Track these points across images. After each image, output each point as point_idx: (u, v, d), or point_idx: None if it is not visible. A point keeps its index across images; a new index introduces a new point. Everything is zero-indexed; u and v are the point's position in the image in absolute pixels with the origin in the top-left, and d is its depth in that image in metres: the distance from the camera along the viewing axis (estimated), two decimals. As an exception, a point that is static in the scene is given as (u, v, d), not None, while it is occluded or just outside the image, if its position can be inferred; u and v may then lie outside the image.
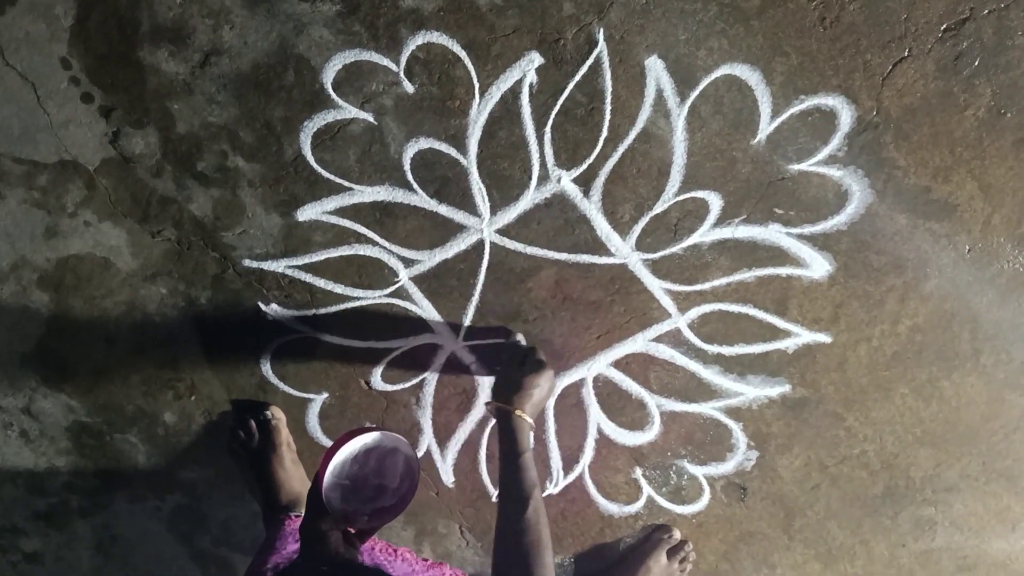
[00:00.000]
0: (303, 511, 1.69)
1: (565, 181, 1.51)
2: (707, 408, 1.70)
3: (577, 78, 1.43)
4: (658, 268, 1.57)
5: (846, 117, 1.41)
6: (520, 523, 1.30)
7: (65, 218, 1.63)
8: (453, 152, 1.51)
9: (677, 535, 1.83)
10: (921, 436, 1.67)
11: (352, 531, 1.25)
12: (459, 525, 1.90)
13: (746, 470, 1.75)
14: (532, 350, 1.52)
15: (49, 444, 1.91)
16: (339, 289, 1.65)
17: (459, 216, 1.56)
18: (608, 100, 1.44)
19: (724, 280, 1.57)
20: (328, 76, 1.47)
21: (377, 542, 1.65)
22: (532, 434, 1.41)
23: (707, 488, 1.78)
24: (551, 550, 1.30)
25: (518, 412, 1.41)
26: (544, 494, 1.83)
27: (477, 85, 1.45)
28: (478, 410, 1.75)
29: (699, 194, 1.50)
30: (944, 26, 1.34)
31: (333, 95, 1.48)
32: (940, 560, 1.81)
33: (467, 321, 1.66)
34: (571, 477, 1.80)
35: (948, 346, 1.58)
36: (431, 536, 1.91)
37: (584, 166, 1.50)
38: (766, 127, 1.43)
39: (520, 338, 1.63)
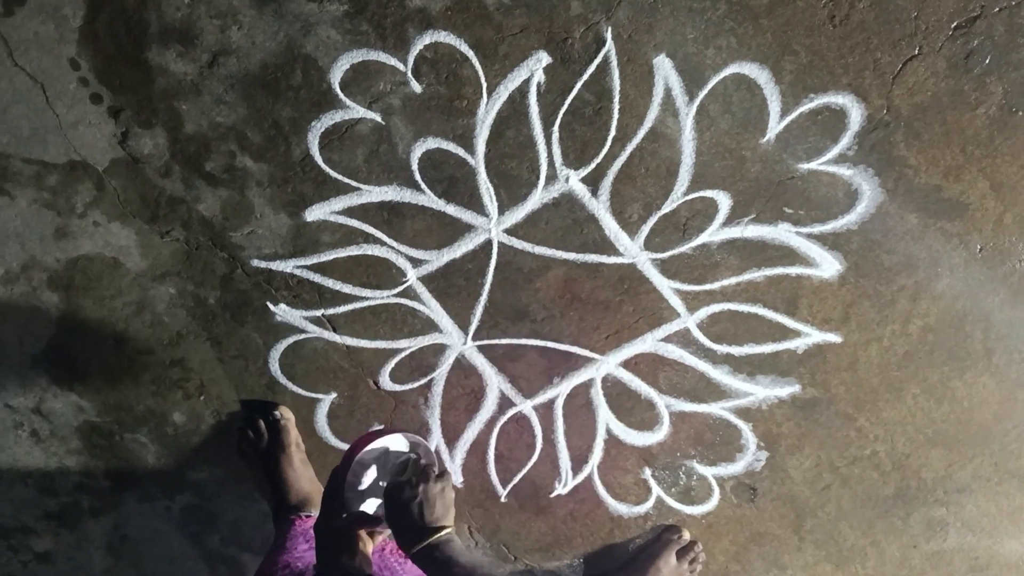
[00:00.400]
0: (313, 511, 1.70)
1: (573, 180, 1.51)
2: (716, 408, 1.69)
3: (585, 77, 1.43)
4: (667, 268, 1.56)
5: (856, 116, 1.40)
6: None
7: (74, 219, 1.63)
8: (461, 152, 1.50)
9: (687, 536, 1.82)
10: (933, 436, 1.66)
11: (366, 532, 1.25)
12: (468, 525, 1.90)
13: (756, 471, 1.74)
14: (411, 467, 1.30)
15: (60, 444, 1.92)
16: (347, 289, 1.64)
17: (467, 216, 1.56)
18: (616, 99, 1.44)
19: (733, 280, 1.56)
20: (336, 76, 1.47)
21: (388, 543, 1.65)
22: (456, 544, 1.22)
23: (717, 489, 1.77)
24: None
25: (434, 539, 1.20)
26: (553, 494, 1.82)
27: (485, 84, 1.45)
28: (486, 410, 1.75)
29: (708, 193, 1.49)
30: (955, 24, 1.33)
31: (341, 95, 1.48)
32: (952, 561, 1.80)
33: (476, 321, 1.65)
34: (580, 477, 1.80)
35: (960, 346, 1.57)
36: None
37: (592, 165, 1.49)
38: (775, 126, 1.42)
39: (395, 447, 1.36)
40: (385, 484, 1.28)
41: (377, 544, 1.64)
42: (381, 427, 1.37)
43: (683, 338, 1.63)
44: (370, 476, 1.30)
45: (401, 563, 1.58)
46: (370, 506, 1.30)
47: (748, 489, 1.77)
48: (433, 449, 1.78)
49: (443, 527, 1.21)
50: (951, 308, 1.54)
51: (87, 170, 1.58)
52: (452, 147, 1.50)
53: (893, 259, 1.50)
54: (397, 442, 1.31)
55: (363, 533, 1.25)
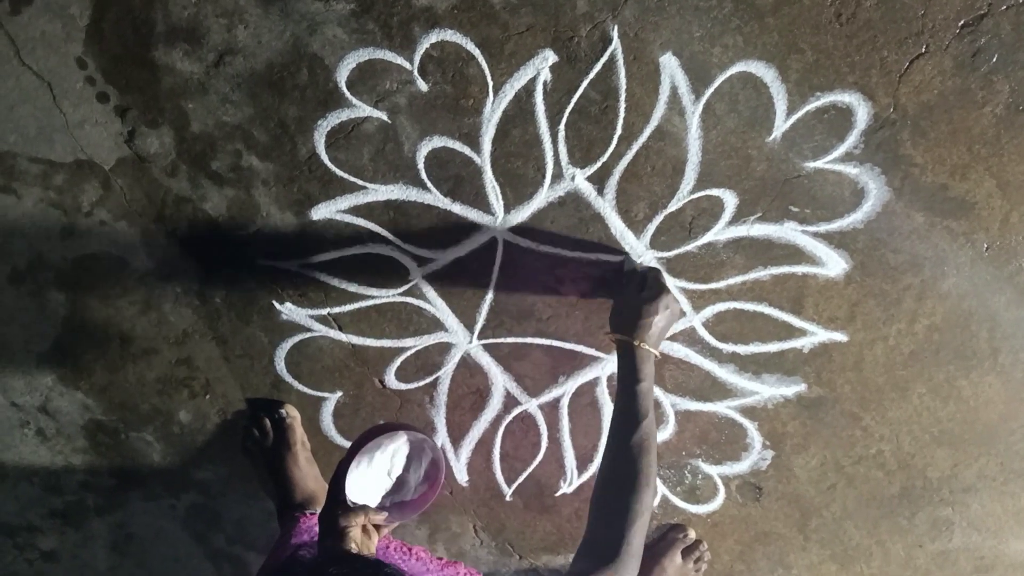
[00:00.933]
0: (318, 509, 1.70)
1: (579, 179, 1.51)
2: (722, 407, 1.69)
3: (591, 76, 1.43)
4: (673, 266, 1.56)
5: (862, 114, 1.40)
6: (624, 451, 1.32)
7: (81, 217, 1.63)
8: (467, 151, 1.51)
9: (692, 535, 1.82)
10: (938, 436, 1.66)
11: (371, 525, 1.25)
12: (473, 524, 1.90)
13: (761, 470, 1.74)
14: (651, 274, 1.48)
15: (65, 442, 1.92)
16: (353, 288, 1.65)
17: (473, 215, 1.56)
18: (622, 98, 1.44)
19: (739, 278, 1.56)
20: (342, 75, 1.47)
21: (392, 540, 1.65)
22: (651, 365, 1.39)
23: (722, 488, 1.77)
24: (652, 488, 1.30)
25: (639, 343, 1.38)
26: (558, 493, 1.82)
27: (491, 83, 1.45)
28: (492, 409, 1.75)
29: (714, 192, 1.49)
30: (962, 22, 1.33)
31: (347, 94, 1.48)
32: (957, 561, 1.80)
33: (481, 320, 1.66)
34: (586, 476, 1.80)
35: (966, 345, 1.57)
36: (444, 535, 1.91)
37: (598, 164, 1.49)
38: (781, 124, 1.42)
39: (639, 261, 1.57)
40: (401, 478, 1.30)
41: (381, 541, 1.64)
42: (387, 422, 1.37)
43: (689, 337, 1.63)
44: (375, 468, 1.30)
45: (406, 559, 1.59)
46: (374, 498, 1.30)
47: (753, 488, 1.77)
48: (440, 447, 1.79)
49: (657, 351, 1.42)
50: (957, 307, 1.53)
51: (93, 169, 1.58)
52: (458, 146, 1.50)
53: (899, 258, 1.50)
54: (403, 437, 1.32)
55: (367, 525, 1.24)
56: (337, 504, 1.23)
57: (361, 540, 1.22)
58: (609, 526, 1.27)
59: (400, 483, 1.34)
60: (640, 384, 1.36)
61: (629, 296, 1.44)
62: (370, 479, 1.30)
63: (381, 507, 1.28)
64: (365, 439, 1.26)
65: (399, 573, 0.98)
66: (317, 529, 1.62)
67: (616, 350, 1.44)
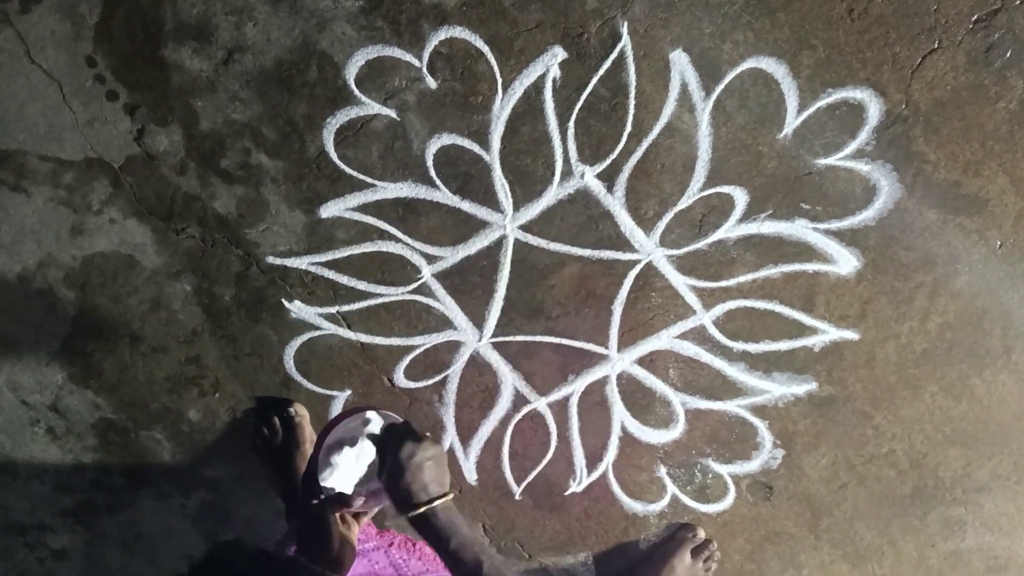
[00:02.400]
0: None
1: (588, 177, 1.50)
2: (732, 406, 1.68)
3: (601, 72, 1.42)
4: (683, 264, 1.56)
5: (874, 110, 1.39)
6: None
7: (91, 216, 1.63)
8: (476, 148, 1.50)
9: (702, 534, 1.81)
10: (951, 435, 1.65)
11: (349, 513, 1.24)
12: (482, 523, 1.89)
13: (772, 469, 1.73)
14: (386, 437, 1.23)
15: (76, 441, 1.92)
16: (362, 286, 1.64)
17: (482, 212, 1.55)
18: (632, 94, 1.43)
19: (750, 276, 1.55)
20: (351, 72, 1.46)
21: (396, 537, 1.64)
22: (452, 513, 1.19)
23: (732, 487, 1.76)
24: None
25: (427, 510, 1.16)
26: (568, 492, 1.82)
27: (500, 80, 1.45)
28: (501, 407, 1.75)
29: (724, 189, 1.48)
30: (975, 17, 1.32)
31: (356, 91, 1.48)
32: (970, 561, 1.78)
33: (490, 318, 1.65)
34: (595, 475, 1.79)
35: (979, 343, 1.56)
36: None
37: (608, 161, 1.49)
38: (793, 121, 1.42)
39: (370, 424, 1.33)
40: (374, 463, 1.26)
41: (384, 538, 1.63)
42: (359, 405, 1.33)
43: (699, 335, 1.62)
44: (347, 455, 1.26)
45: (406, 560, 1.58)
46: (348, 485, 1.26)
47: (764, 487, 1.76)
48: (447, 446, 1.79)
49: (445, 493, 1.18)
50: (970, 305, 1.52)
51: (103, 167, 1.59)
52: (467, 143, 1.50)
53: (911, 255, 1.49)
54: (372, 420, 1.29)
55: (345, 515, 1.23)
56: (311, 495, 1.20)
57: (341, 530, 1.21)
58: None
59: (375, 466, 1.29)
60: (453, 542, 1.16)
61: (389, 462, 1.20)
62: (342, 466, 1.26)
63: (356, 494, 1.25)
64: (332, 426, 1.24)
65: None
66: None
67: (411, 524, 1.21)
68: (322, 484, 1.22)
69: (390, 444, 1.20)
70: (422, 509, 1.15)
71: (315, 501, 1.20)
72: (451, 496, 1.19)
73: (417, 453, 1.17)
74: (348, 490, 1.26)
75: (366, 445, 1.28)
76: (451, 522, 1.17)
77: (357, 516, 1.24)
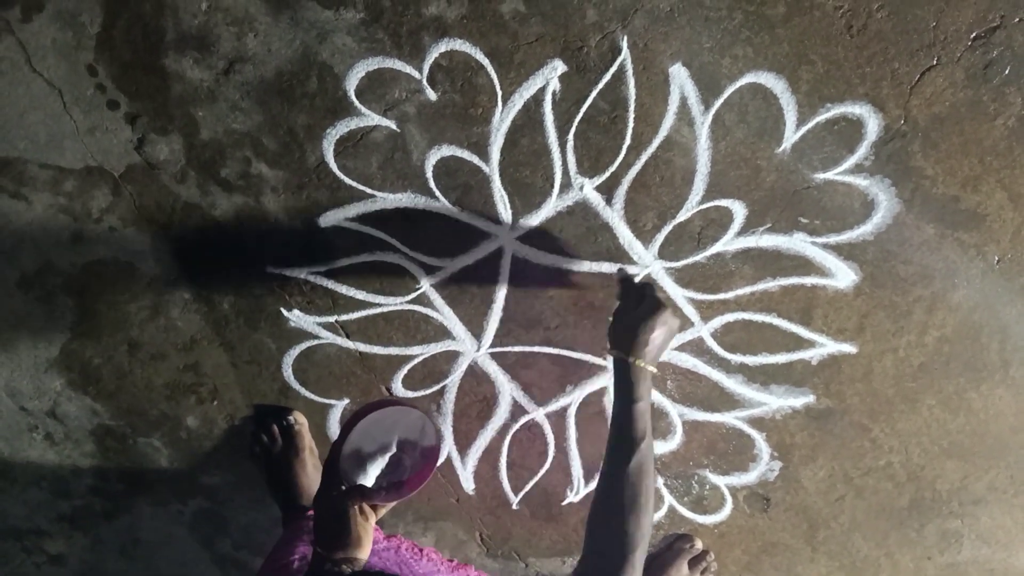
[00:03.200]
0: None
1: (587, 189, 1.50)
2: (730, 418, 1.68)
3: (600, 86, 1.42)
4: (681, 277, 1.56)
5: (873, 126, 1.39)
6: (621, 474, 1.28)
7: (90, 223, 1.64)
8: (475, 160, 1.50)
9: (699, 545, 1.82)
10: (948, 448, 1.65)
11: (367, 506, 1.24)
12: (479, 532, 1.89)
13: (769, 480, 1.73)
14: (647, 289, 1.40)
15: (73, 447, 1.93)
16: (360, 295, 1.65)
17: (481, 223, 1.56)
18: (631, 108, 1.43)
19: (748, 289, 1.55)
20: (351, 83, 1.47)
21: (403, 541, 1.65)
22: (649, 383, 1.34)
23: (729, 498, 1.77)
24: (650, 512, 1.27)
25: (635, 360, 1.33)
26: (565, 502, 1.82)
27: (500, 93, 1.45)
28: (499, 418, 1.75)
29: (723, 203, 1.49)
30: (974, 34, 1.32)
31: (356, 102, 1.48)
32: (966, 573, 1.79)
33: (489, 328, 1.65)
34: (593, 485, 1.79)
35: (976, 357, 1.56)
36: (450, 543, 1.91)
37: (607, 174, 1.49)
38: (791, 136, 1.42)
39: (636, 272, 1.55)
40: (396, 456, 1.28)
41: (392, 541, 1.64)
42: (378, 399, 1.35)
43: (697, 347, 1.62)
44: (369, 448, 1.27)
45: (417, 560, 1.59)
46: (369, 479, 1.27)
47: (761, 499, 1.76)
48: (445, 456, 1.79)
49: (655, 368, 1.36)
50: (967, 319, 1.53)
51: (103, 175, 1.59)
52: (467, 155, 1.50)
53: (909, 270, 1.49)
54: (398, 413, 1.30)
55: (364, 506, 1.24)
56: (332, 486, 1.22)
57: (359, 521, 1.22)
58: (609, 550, 1.26)
59: (395, 462, 1.31)
60: (636, 404, 1.32)
61: (626, 310, 1.39)
62: (364, 460, 1.27)
63: (377, 487, 1.26)
64: (357, 419, 1.24)
65: None
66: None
67: (612, 366, 1.39)
68: (344, 476, 1.23)
69: (632, 295, 1.40)
70: (630, 359, 1.33)
71: (337, 491, 1.21)
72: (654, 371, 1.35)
73: (650, 317, 1.34)
74: (369, 483, 1.26)
75: (389, 440, 1.29)
76: (643, 383, 1.33)
77: (375, 508, 1.24)
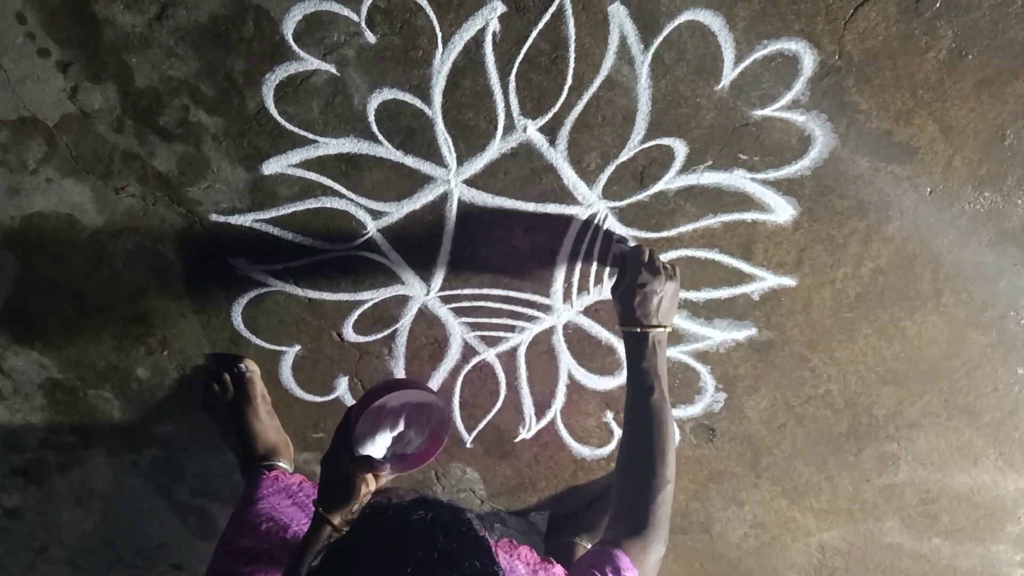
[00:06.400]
0: (280, 461, 1.72)
1: (531, 130, 1.51)
2: (676, 352, 1.72)
3: (540, 26, 1.42)
4: (625, 215, 1.58)
5: (808, 62, 1.41)
6: (637, 428, 1.40)
7: (27, 175, 1.61)
8: (417, 103, 1.50)
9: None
10: (884, 375, 1.71)
11: (374, 476, 1.31)
12: (434, 471, 1.93)
13: (714, 412, 1.79)
14: (641, 256, 1.48)
15: (23, 401, 1.91)
16: (307, 242, 1.64)
17: (425, 167, 1.56)
18: (572, 48, 1.43)
19: (690, 226, 1.58)
20: (288, 27, 1.44)
21: (500, 539, 1.60)
22: (652, 346, 1.44)
23: (676, 430, 1.81)
24: (670, 461, 1.37)
25: (636, 329, 1.45)
26: (518, 439, 1.86)
27: (440, 34, 1.44)
28: (450, 359, 1.77)
29: (664, 141, 1.50)
30: (906, -32, 1.34)
31: (294, 46, 1.46)
32: (903, 494, 1.86)
33: (438, 272, 1.66)
34: (544, 422, 1.83)
35: (910, 287, 1.61)
36: (407, 482, 1.95)
37: (549, 115, 1.49)
38: (730, 73, 1.43)
39: (632, 244, 1.59)
40: (404, 432, 1.38)
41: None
42: (399, 378, 1.42)
43: (642, 284, 1.65)
44: (381, 422, 1.35)
45: (508, 559, 1.59)
46: (378, 450, 1.35)
47: (707, 430, 1.81)
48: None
49: (662, 325, 1.46)
50: (901, 250, 1.57)
51: (37, 126, 1.55)
52: (408, 98, 1.49)
53: (845, 203, 1.53)
54: (410, 395, 1.36)
55: (368, 476, 1.30)
56: (342, 451, 1.29)
57: (361, 488, 1.28)
58: (635, 499, 1.35)
59: (402, 438, 1.38)
60: (642, 363, 1.43)
61: (626, 282, 1.47)
62: (377, 432, 1.35)
63: (384, 459, 1.33)
64: (378, 393, 1.30)
65: (473, 523, 1.02)
66: (285, 484, 1.65)
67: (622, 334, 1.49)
68: (357, 449, 1.30)
69: (632, 265, 1.47)
70: (637, 330, 1.44)
71: (346, 457, 1.29)
72: (668, 329, 1.47)
73: (649, 283, 1.44)
74: (379, 455, 1.34)
75: (400, 416, 1.37)
76: (653, 349, 1.44)
77: (376, 478, 1.30)
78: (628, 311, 1.45)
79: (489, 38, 1.44)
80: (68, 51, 1.48)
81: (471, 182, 1.56)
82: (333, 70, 1.47)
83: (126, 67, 1.49)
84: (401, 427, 1.38)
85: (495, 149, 1.53)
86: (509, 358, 1.77)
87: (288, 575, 1.25)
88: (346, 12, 1.43)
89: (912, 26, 1.37)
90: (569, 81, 1.46)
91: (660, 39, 1.41)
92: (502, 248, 1.63)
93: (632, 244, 1.57)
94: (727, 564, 2.03)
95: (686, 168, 1.52)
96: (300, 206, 1.61)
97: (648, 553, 1.30)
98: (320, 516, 1.28)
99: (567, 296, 1.67)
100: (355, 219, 1.61)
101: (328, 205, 1.60)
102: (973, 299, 1.61)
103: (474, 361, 1.77)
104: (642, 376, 1.42)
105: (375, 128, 1.52)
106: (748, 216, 1.56)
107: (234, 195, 1.60)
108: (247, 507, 1.60)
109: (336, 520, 1.26)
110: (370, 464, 1.29)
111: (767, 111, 1.46)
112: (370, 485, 1.30)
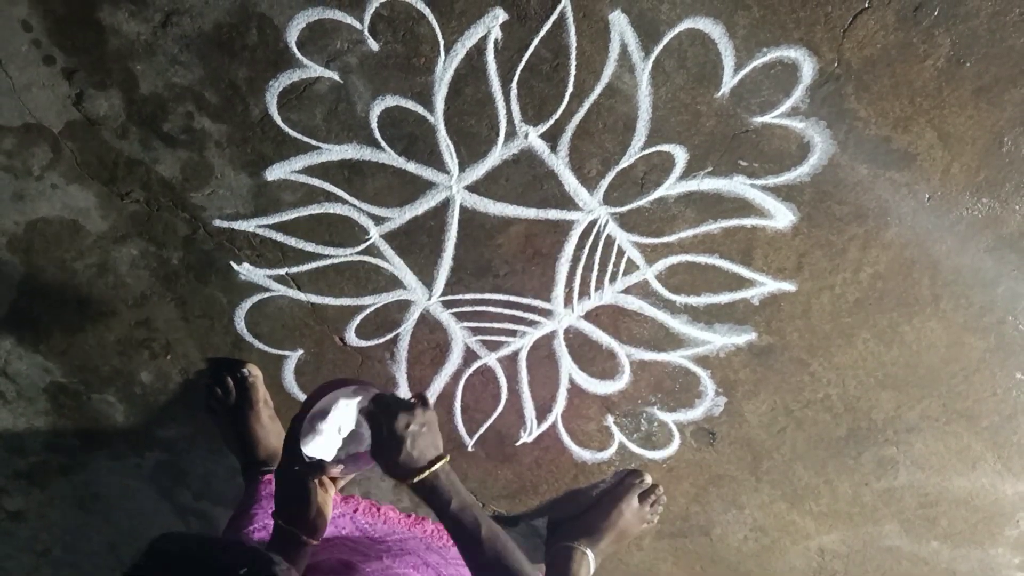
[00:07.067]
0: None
1: (532, 137, 1.52)
2: (676, 357, 1.73)
3: (541, 34, 1.43)
4: (626, 221, 1.59)
5: (808, 69, 1.42)
6: (483, 566, 1.23)
7: (32, 181, 1.62)
8: (420, 109, 1.51)
9: (648, 480, 1.88)
10: (883, 379, 1.72)
11: (327, 478, 1.29)
12: (436, 475, 1.94)
13: (714, 416, 1.79)
14: (380, 406, 1.27)
15: (27, 405, 1.92)
16: (310, 247, 1.65)
17: (428, 173, 1.57)
18: (573, 55, 1.45)
19: (690, 232, 1.59)
20: (292, 35, 1.45)
21: (360, 502, 1.68)
22: (444, 488, 1.24)
23: (677, 434, 1.82)
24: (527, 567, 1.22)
25: (414, 480, 1.23)
26: (519, 443, 1.86)
27: (442, 42, 1.45)
28: (452, 363, 1.78)
29: (665, 148, 1.51)
30: (904, -23, 1.35)
31: (298, 54, 1.47)
32: (902, 498, 1.87)
33: (439, 277, 1.67)
34: (544, 426, 1.84)
35: (909, 292, 1.62)
36: (410, 498, 1.95)
37: (551, 122, 1.50)
38: (730, 80, 1.44)
39: (357, 398, 1.36)
40: (354, 431, 1.33)
41: (349, 505, 1.67)
42: (338, 377, 1.39)
43: (642, 289, 1.66)
44: (331, 423, 1.32)
45: (372, 524, 1.61)
46: (329, 453, 1.33)
47: (707, 434, 1.82)
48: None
49: (442, 455, 1.25)
50: (900, 256, 1.58)
51: (42, 132, 1.57)
52: (411, 105, 1.51)
53: (844, 209, 1.54)
54: (355, 391, 1.34)
55: (324, 479, 1.28)
56: (293, 460, 1.26)
57: (319, 494, 1.26)
58: None
59: (354, 435, 1.37)
60: (450, 508, 1.23)
61: (386, 439, 1.24)
62: (324, 434, 1.32)
63: (336, 460, 1.31)
64: (318, 396, 1.29)
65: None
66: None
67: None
68: (304, 451, 1.27)
69: (383, 417, 1.24)
70: (424, 475, 1.22)
71: (298, 465, 1.25)
72: (448, 458, 1.25)
73: (412, 422, 1.23)
74: (329, 457, 1.31)
75: (348, 415, 1.34)
76: (451, 484, 1.24)
77: (333, 480, 1.29)
78: (405, 464, 1.22)
79: (491, 46, 1.45)
80: (73, 58, 1.50)
81: (473, 188, 1.58)
82: (336, 77, 1.49)
83: (131, 74, 1.50)
84: (353, 425, 1.35)
85: (497, 155, 1.54)
86: (510, 362, 1.78)
87: None
88: (349, 20, 1.44)
89: (910, 34, 1.38)
90: (570, 88, 1.47)
91: (660, 47, 1.42)
92: (503, 254, 1.64)
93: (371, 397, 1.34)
94: (727, 567, 2.04)
95: (686, 174, 1.53)
96: (303, 212, 1.62)
97: None
98: (280, 527, 1.26)
99: (568, 301, 1.69)
100: (358, 225, 1.62)
101: (331, 211, 1.61)
102: (971, 304, 1.62)
103: (475, 365, 1.78)
104: (459, 518, 1.22)
105: (378, 135, 1.53)
106: (748, 222, 1.57)
107: (238, 201, 1.61)
108: (245, 511, 1.61)
109: (297, 527, 1.24)
110: (321, 467, 1.25)
111: (767, 118, 1.47)
112: (328, 489, 1.29)
